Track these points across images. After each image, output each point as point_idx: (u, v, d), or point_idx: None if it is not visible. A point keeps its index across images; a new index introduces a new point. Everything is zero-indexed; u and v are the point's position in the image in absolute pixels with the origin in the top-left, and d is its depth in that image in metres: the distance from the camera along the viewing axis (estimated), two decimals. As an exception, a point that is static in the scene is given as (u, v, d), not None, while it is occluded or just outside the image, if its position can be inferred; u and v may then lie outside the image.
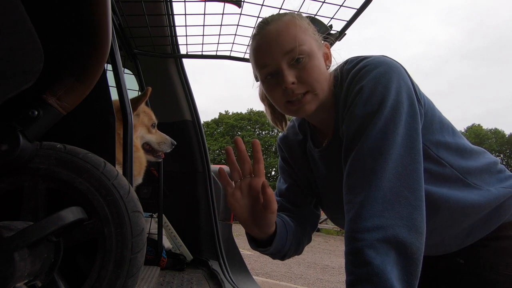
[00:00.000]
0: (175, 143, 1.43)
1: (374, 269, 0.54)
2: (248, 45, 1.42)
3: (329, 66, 0.79)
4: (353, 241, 0.59)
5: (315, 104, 0.75)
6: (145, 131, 1.33)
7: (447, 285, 0.82)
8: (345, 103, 0.72)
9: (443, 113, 0.77)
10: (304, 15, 0.81)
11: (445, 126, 0.74)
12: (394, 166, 0.61)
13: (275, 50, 0.72)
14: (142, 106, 1.32)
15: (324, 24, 0.85)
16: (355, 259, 0.57)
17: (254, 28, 0.80)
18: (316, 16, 0.84)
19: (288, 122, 0.95)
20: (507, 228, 0.75)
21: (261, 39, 0.74)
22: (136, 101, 1.27)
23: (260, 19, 1.17)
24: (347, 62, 0.79)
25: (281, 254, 0.82)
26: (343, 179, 0.67)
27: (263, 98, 0.90)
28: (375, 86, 0.66)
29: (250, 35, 1.32)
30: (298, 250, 0.88)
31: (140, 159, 1.25)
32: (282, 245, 0.79)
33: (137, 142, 1.28)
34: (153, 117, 1.38)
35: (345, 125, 0.70)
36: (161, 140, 1.39)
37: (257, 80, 0.87)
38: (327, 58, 0.79)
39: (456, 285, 0.79)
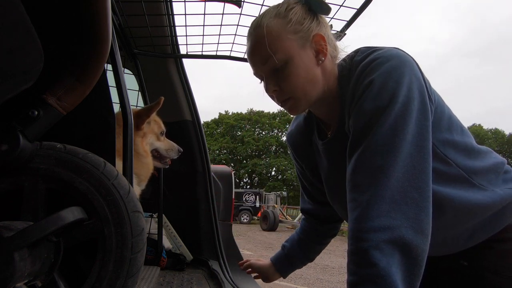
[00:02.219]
0: (182, 150, 1.45)
1: (380, 271, 0.53)
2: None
3: (323, 60, 0.74)
4: (358, 241, 0.58)
5: (301, 107, 0.76)
6: (154, 138, 1.37)
7: (447, 285, 0.81)
8: (353, 95, 0.69)
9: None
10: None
11: (454, 124, 0.73)
12: (404, 165, 0.59)
13: (255, 62, 0.76)
14: (154, 115, 1.34)
15: (323, 2, 0.75)
16: (359, 259, 0.57)
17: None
18: None
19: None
20: (510, 230, 0.73)
21: (247, 50, 0.77)
22: (149, 109, 1.29)
23: None
24: (358, 52, 0.75)
25: (304, 258, 1.06)
26: (347, 176, 0.66)
27: None
28: (386, 81, 0.64)
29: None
30: (322, 244, 1.07)
31: (149, 166, 1.26)
32: (295, 255, 1.05)
33: (147, 148, 1.29)
34: (162, 125, 1.42)
35: (352, 119, 0.68)
36: (169, 147, 1.42)
37: None
38: (320, 51, 0.73)
39: (457, 286, 0.78)
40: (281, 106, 0.78)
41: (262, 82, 0.78)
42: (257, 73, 0.78)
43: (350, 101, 0.70)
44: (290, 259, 1.06)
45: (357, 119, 0.66)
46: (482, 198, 0.70)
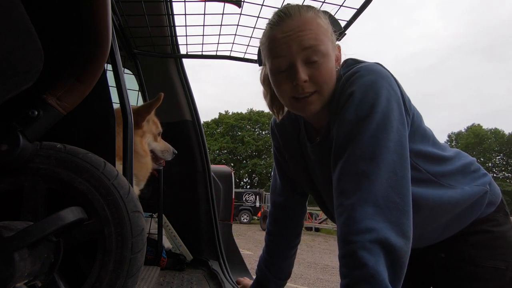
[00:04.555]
0: (176, 152, 1.45)
1: (370, 271, 0.55)
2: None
3: (338, 69, 0.80)
4: (347, 243, 0.60)
5: (319, 104, 0.76)
6: (151, 138, 1.37)
7: (431, 277, 0.88)
8: (337, 105, 0.73)
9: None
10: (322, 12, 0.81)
11: (427, 137, 0.79)
12: (387, 171, 0.62)
13: (293, 44, 0.72)
14: (152, 114, 1.34)
15: (339, 23, 0.85)
16: (349, 261, 0.59)
17: (272, 16, 0.78)
18: None
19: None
20: (481, 223, 0.81)
21: (281, 30, 0.74)
22: (149, 106, 1.28)
23: (260, 19, 1.16)
24: (344, 63, 0.81)
25: (276, 279, 1.06)
26: (333, 183, 0.69)
27: (264, 81, 0.90)
28: (366, 92, 0.68)
29: (250, 35, 1.32)
30: (288, 258, 1.07)
31: (147, 165, 1.25)
32: (275, 269, 1.06)
33: (146, 147, 1.28)
34: (159, 126, 1.41)
35: (336, 127, 0.72)
36: (164, 148, 1.42)
37: (260, 65, 0.89)
38: (337, 60, 0.80)
39: (440, 277, 0.85)
40: (299, 101, 0.76)
41: (280, 73, 0.75)
42: (285, 58, 0.73)
43: (335, 110, 0.74)
44: (263, 285, 1.07)
45: (340, 128, 0.70)
46: (453, 195, 0.77)
